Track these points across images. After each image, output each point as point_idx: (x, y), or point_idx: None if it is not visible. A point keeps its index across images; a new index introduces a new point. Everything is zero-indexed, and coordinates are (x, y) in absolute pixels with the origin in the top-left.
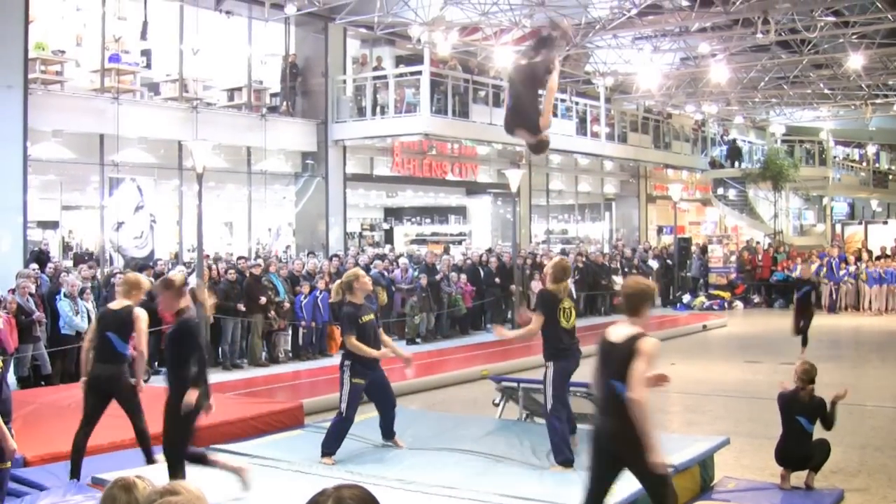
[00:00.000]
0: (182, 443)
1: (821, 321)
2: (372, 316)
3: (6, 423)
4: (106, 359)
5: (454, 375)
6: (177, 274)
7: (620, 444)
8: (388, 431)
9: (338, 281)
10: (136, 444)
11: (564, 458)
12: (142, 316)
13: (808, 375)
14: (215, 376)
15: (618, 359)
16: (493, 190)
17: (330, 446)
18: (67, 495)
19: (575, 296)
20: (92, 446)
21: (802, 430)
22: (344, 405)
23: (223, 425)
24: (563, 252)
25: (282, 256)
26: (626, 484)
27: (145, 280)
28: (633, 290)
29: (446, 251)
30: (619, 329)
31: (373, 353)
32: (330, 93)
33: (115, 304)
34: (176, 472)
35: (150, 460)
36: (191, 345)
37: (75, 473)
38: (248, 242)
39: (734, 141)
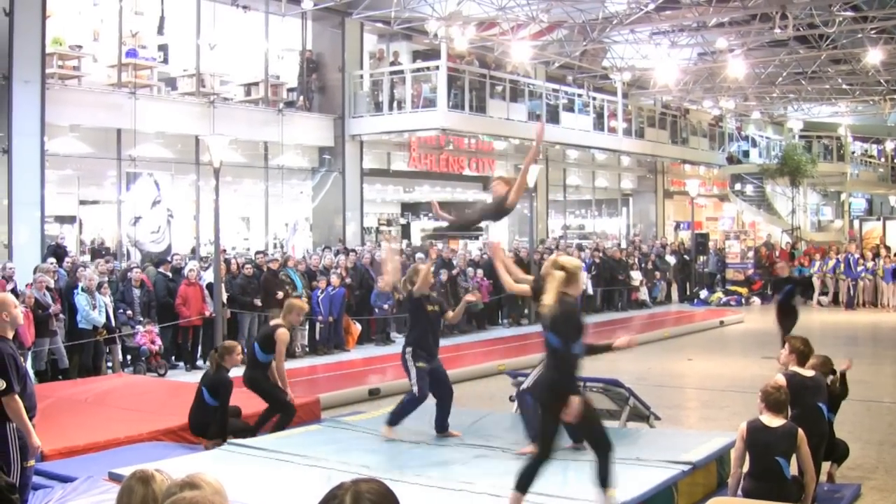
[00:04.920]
0: None
1: (838, 317)
2: (436, 307)
3: (30, 417)
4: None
5: (471, 370)
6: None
7: None
8: (442, 424)
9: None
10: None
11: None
12: None
13: (826, 367)
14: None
15: None
16: None
17: (395, 420)
18: (84, 489)
19: (591, 291)
20: (109, 440)
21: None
22: (416, 387)
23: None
24: (580, 247)
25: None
26: (634, 484)
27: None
28: None
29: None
30: None
31: None
32: (347, 88)
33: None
34: None
35: None
36: None
37: None
38: (265, 237)
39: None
